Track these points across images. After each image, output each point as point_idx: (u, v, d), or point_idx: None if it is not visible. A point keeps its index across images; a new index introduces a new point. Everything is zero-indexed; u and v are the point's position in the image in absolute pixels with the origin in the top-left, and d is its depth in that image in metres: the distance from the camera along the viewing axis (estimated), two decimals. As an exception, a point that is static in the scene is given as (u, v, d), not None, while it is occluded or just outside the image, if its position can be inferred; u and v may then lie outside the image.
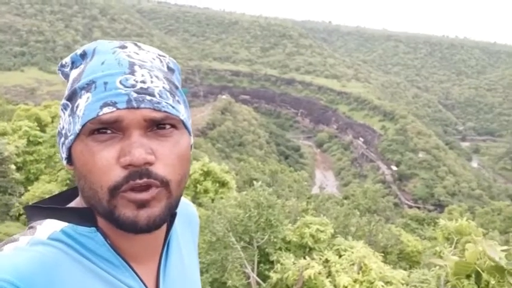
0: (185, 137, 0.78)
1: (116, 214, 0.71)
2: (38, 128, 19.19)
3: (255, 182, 9.57)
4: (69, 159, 0.77)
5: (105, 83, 0.71)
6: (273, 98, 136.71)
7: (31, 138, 18.14)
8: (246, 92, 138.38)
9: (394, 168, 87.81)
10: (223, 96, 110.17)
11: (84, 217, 0.77)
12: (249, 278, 8.48)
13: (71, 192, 0.85)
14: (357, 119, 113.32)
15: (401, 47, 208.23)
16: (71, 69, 0.80)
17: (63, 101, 0.76)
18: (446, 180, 79.18)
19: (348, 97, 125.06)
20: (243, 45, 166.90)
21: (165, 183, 0.72)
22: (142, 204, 0.71)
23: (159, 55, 0.81)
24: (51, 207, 0.79)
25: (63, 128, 0.76)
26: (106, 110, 0.69)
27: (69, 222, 0.76)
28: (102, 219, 0.76)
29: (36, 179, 17.61)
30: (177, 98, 0.77)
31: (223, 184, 12.47)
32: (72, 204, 0.82)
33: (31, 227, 0.76)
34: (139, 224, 0.71)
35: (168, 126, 0.74)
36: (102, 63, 0.73)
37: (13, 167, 11.14)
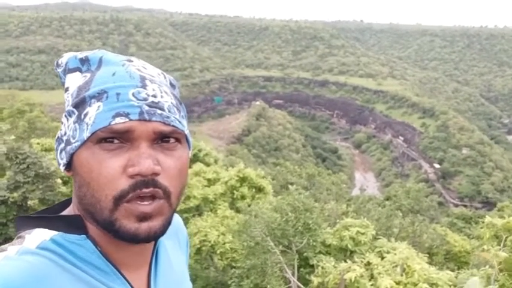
0: (186, 151, 0.79)
1: (117, 226, 0.71)
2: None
3: (290, 186, 9.52)
4: (68, 165, 0.77)
5: (118, 94, 0.72)
6: (307, 100, 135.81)
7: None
8: (280, 96, 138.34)
9: (437, 166, 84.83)
10: (257, 103, 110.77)
11: (74, 224, 0.77)
12: (289, 282, 8.43)
13: (59, 207, 0.85)
14: (396, 118, 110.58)
15: (437, 41, 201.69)
16: (66, 71, 0.81)
17: (69, 107, 0.76)
18: (494, 176, 75.56)
19: (385, 95, 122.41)
20: (275, 50, 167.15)
21: (167, 194, 0.73)
22: (144, 217, 0.71)
23: (162, 72, 0.84)
24: (41, 216, 0.79)
25: (65, 134, 0.77)
26: (118, 120, 0.70)
27: (58, 230, 0.75)
28: (95, 227, 0.76)
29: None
30: (182, 113, 0.79)
31: (260, 189, 12.50)
32: (63, 214, 0.82)
33: (20, 237, 0.75)
34: (139, 237, 0.72)
35: (172, 140, 0.75)
36: (113, 74, 0.75)
37: (59, 181, 11.59)
